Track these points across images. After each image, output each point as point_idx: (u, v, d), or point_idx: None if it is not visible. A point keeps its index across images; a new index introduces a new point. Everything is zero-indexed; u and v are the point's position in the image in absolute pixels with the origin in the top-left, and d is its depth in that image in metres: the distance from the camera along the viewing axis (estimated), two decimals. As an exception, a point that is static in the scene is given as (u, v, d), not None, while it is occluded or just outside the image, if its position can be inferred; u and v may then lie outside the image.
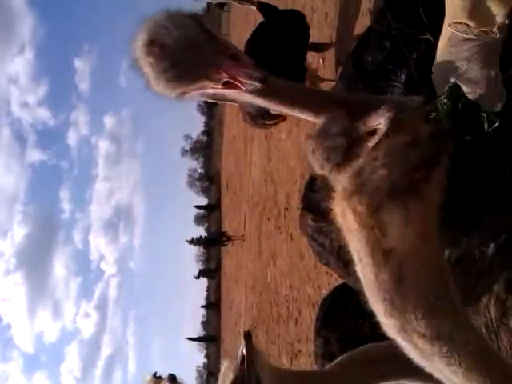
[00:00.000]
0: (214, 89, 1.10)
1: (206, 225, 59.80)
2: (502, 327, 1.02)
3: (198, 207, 60.41)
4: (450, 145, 0.86)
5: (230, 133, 26.99)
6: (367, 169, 0.82)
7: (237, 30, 24.62)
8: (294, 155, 7.88)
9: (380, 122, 0.88)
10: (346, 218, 0.82)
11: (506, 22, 0.88)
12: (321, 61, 5.92)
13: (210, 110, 61.49)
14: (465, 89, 0.99)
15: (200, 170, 63.53)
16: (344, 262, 1.73)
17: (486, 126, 1.00)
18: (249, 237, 15.86)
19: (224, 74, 1.06)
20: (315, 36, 5.23)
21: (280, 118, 3.95)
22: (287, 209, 8.23)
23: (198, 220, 62.19)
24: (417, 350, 0.84)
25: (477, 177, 1.07)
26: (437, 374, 0.86)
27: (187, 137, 63.85)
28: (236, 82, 1.06)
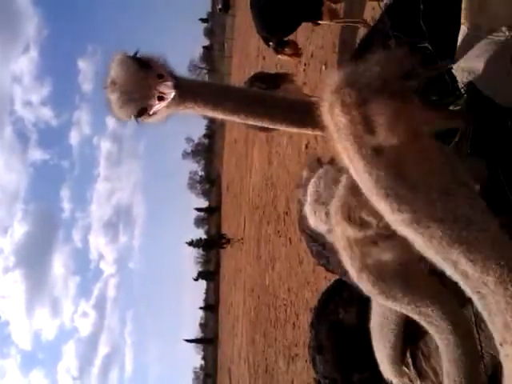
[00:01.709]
0: (157, 106, 1.41)
1: (206, 227, 59.75)
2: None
3: (198, 209, 60.39)
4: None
5: (232, 136, 27.02)
6: (361, 67, 0.81)
7: (241, 35, 24.68)
8: (294, 160, 7.91)
9: None
10: (334, 112, 0.79)
11: None
12: (323, 67, 5.96)
13: (213, 112, 61.48)
14: (479, 85, 1.00)
15: (201, 173, 63.53)
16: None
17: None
18: (248, 240, 15.87)
19: (154, 91, 1.38)
20: None
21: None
22: (287, 213, 8.25)
23: (198, 222, 62.18)
24: (432, 240, 0.77)
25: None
26: (449, 268, 0.79)
27: (189, 139, 63.82)
28: (162, 94, 1.39)
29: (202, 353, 57.98)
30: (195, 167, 62.77)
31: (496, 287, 0.75)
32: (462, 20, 0.97)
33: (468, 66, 0.98)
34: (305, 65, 7.27)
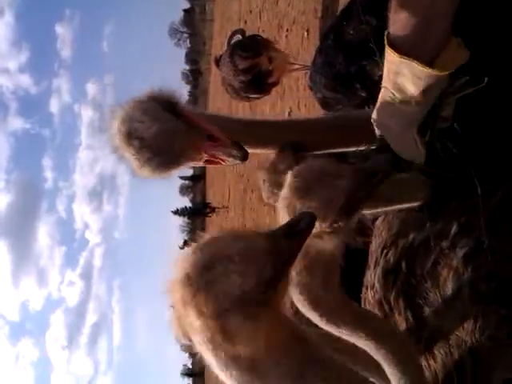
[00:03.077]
0: (195, 165, 1.19)
1: (191, 195, 59.78)
2: (457, 299, 1.07)
3: (182, 178, 60.21)
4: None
5: (215, 104, 26.66)
6: (220, 266, 0.76)
7: (223, 16, 24.05)
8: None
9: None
10: (188, 310, 0.76)
11: (420, 98, 0.93)
12: (305, 33, 5.84)
13: (195, 79, 60.55)
14: (389, 141, 1.05)
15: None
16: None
17: None
18: (233, 208, 15.90)
19: (204, 155, 1.13)
20: None
21: (264, 92, 3.90)
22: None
23: (183, 190, 62.12)
24: None
25: (442, 166, 1.11)
26: None
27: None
28: (217, 160, 1.14)
29: (190, 318, 58.80)
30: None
31: None
32: (383, 83, 1.00)
33: (380, 122, 1.03)
34: (287, 30, 7.13)
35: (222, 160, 1.14)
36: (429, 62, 0.90)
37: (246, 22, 12.20)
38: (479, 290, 1.07)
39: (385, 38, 0.95)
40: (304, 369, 0.82)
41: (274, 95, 7.10)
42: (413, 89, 0.93)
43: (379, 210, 1.37)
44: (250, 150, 1.19)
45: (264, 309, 0.76)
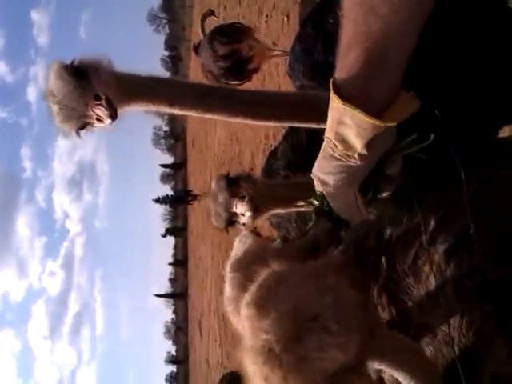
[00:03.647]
0: (97, 124, 1.33)
1: (172, 183, 59.33)
2: (441, 295, 1.08)
3: (163, 166, 59.64)
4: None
5: (195, 90, 26.32)
6: (313, 337, 0.62)
7: (203, 2, 23.67)
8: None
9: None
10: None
11: (365, 152, 0.86)
12: (285, 19, 5.80)
13: (175, 64, 59.72)
14: (330, 202, 1.01)
15: (165, 128, 62.27)
16: (303, 228, 1.78)
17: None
18: (215, 196, 15.80)
19: (91, 113, 1.29)
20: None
21: (244, 79, 3.88)
22: (252, 169, 8.23)
23: (164, 178, 61.59)
24: None
25: (419, 158, 1.12)
26: None
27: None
28: (99, 117, 1.30)
29: (173, 307, 58.98)
30: (159, 122, 61.44)
31: None
32: (325, 133, 0.92)
33: (321, 177, 0.96)
34: (267, 16, 7.07)
35: (102, 118, 1.29)
36: (376, 114, 0.82)
37: (225, 7, 12.05)
38: (463, 287, 1.06)
39: (330, 84, 0.88)
40: None
41: (254, 82, 7.05)
42: (356, 141, 0.85)
43: None
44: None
45: (357, 375, 0.67)
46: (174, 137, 57.21)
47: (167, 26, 62.18)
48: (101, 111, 1.28)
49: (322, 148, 0.94)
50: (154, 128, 62.44)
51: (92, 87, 1.29)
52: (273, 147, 2.01)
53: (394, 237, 1.22)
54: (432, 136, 0.91)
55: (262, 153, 6.76)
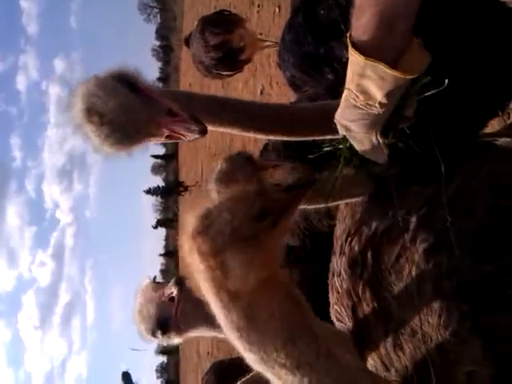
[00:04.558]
0: (157, 141, 1.20)
1: (164, 174, 59.10)
2: (421, 294, 1.10)
3: (154, 156, 59.31)
4: (299, 196, 0.92)
5: (187, 80, 26.21)
6: (215, 211, 0.86)
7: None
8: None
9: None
10: (193, 256, 0.85)
11: (385, 100, 0.93)
12: (276, 9, 5.78)
13: (166, 55, 59.25)
14: (354, 144, 1.08)
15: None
16: None
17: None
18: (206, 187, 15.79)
19: (164, 130, 1.15)
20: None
21: (236, 69, 3.85)
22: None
23: (155, 169, 61.28)
24: (281, 380, 0.88)
25: (403, 150, 1.13)
26: None
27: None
28: (177, 135, 1.16)
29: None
30: (150, 113, 60.79)
31: None
32: (346, 84, 0.99)
33: (343, 124, 1.04)
34: (258, 6, 7.03)
35: (182, 135, 1.16)
36: (393, 64, 0.90)
37: (217, -3, 11.96)
38: (441, 287, 1.09)
39: (347, 39, 0.94)
40: (296, 334, 0.86)
41: (246, 72, 7.04)
42: (377, 91, 0.93)
43: (321, 205, 1.42)
44: (211, 128, 1.23)
45: (255, 244, 0.84)
46: (165, 127, 56.66)
47: (158, 16, 61.58)
48: (183, 127, 1.14)
49: (343, 98, 1.01)
50: (145, 118, 61.83)
51: (159, 104, 1.16)
52: (265, 141, 2.01)
53: (379, 231, 1.25)
54: (446, 81, 0.95)
55: (253, 143, 6.75)
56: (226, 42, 3.51)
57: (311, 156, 1.23)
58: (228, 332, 0.89)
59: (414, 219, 1.18)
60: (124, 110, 1.11)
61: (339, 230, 1.37)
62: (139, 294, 1.43)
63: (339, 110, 1.03)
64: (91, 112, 1.10)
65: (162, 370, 55.78)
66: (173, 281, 1.45)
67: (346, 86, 0.98)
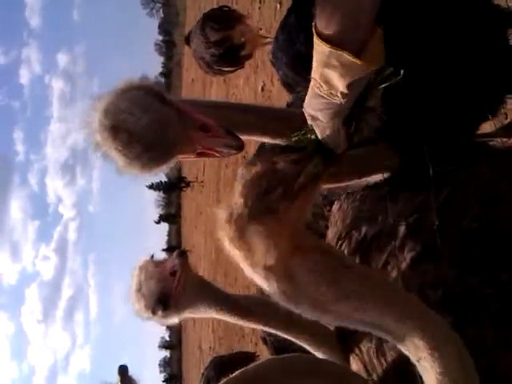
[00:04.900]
0: (187, 159, 1.12)
1: (166, 170, 59.00)
2: None
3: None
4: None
5: (189, 76, 26.20)
6: (233, 200, 0.91)
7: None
8: (251, 101, 7.80)
9: None
10: (226, 244, 0.91)
11: (346, 90, 0.92)
12: (278, 6, 5.76)
13: (169, 50, 59.17)
14: (318, 133, 1.06)
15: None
16: None
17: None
18: (208, 183, 15.83)
19: (198, 146, 1.06)
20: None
21: (237, 65, 3.84)
22: (245, 157, 8.23)
23: (158, 164, 61.11)
24: (333, 313, 0.93)
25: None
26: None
27: (143, 78, 61.37)
28: (211, 152, 1.07)
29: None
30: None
31: None
32: (312, 74, 0.97)
33: (311, 113, 1.03)
34: (260, 2, 7.01)
35: (217, 151, 1.07)
36: (356, 54, 0.89)
37: (219, -8, 11.93)
38: (426, 296, 1.08)
39: (312, 29, 0.93)
40: (337, 275, 0.91)
41: (247, 69, 7.02)
42: (339, 81, 0.92)
43: (344, 184, 1.40)
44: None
45: (273, 220, 0.89)
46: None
47: (161, 10, 61.46)
48: (218, 143, 1.06)
49: (309, 87, 0.99)
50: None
51: (191, 117, 1.07)
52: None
53: (368, 237, 1.25)
54: (402, 71, 0.96)
55: (254, 141, 6.75)
56: (226, 38, 3.50)
57: (283, 144, 1.21)
58: (275, 298, 0.94)
59: (403, 227, 1.18)
60: (158, 127, 1.01)
61: (331, 234, 1.38)
62: (137, 271, 1.39)
63: (306, 100, 1.03)
64: (119, 129, 1.00)
65: (165, 364, 56.08)
66: (176, 253, 1.44)
67: (312, 75, 0.97)
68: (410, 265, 1.14)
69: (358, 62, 0.89)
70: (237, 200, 0.91)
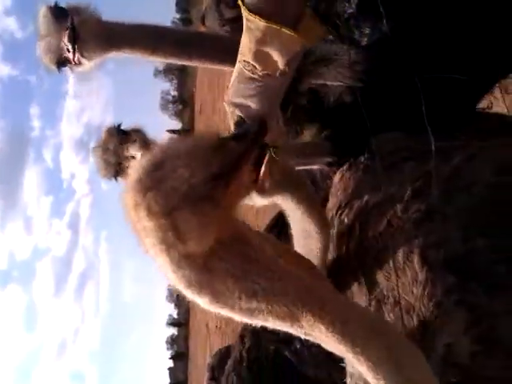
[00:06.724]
0: (72, 56, 1.42)
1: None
2: (407, 264, 1.09)
3: (170, 131, 59.31)
4: (253, 153, 0.86)
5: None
6: (168, 164, 0.78)
7: None
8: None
9: None
10: (139, 213, 0.77)
11: (287, 68, 0.88)
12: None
13: (186, 27, 58.62)
14: (248, 121, 1.00)
15: (173, 93, 61.62)
16: None
17: None
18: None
19: (62, 43, 1.37)
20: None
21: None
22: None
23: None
24: (241, 311, 0.88)
25: (402, 125, 1.11)
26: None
27: None
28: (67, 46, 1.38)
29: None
30: (167, 86, 60.74)
31: None
32: (239, 57, 0.92)
33: (239, 102, 0.97)
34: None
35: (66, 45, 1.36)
36: (292, 30, 0.85)
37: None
38: (428, 256, 1.07)
39: (240, 4, 0.88)
40: (247, 268, 0.84)
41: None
42: (279, 58, 0.87)
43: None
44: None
45: (212, 205, 0.78)
46: (182, 102, 56.73)
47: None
48: (65, 37, 1.34)
49: (235, 73, 0.95)
50: (162, 92, 61.88)
51: (67, 21, 1.35)
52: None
53: (369, 204, 1.23)
54: (330, 36, 0.95)
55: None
56: (241, 16, 3.44)
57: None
58: (176, 283, 0.85)
59: (408, 191, 1.17)
60: (44, 27, 1.49)
61: (331, 204, 1.37)
62: None
63: (232, 89, 0.97)
64: (39, 31, 1.46)
65: (172, 341, 56.99)
66: None
67: (240, 58, 0.92)
68: (413, 225, 1.12)
69: (296, 36, 0.85)
70: (174, 165, 0.78)
